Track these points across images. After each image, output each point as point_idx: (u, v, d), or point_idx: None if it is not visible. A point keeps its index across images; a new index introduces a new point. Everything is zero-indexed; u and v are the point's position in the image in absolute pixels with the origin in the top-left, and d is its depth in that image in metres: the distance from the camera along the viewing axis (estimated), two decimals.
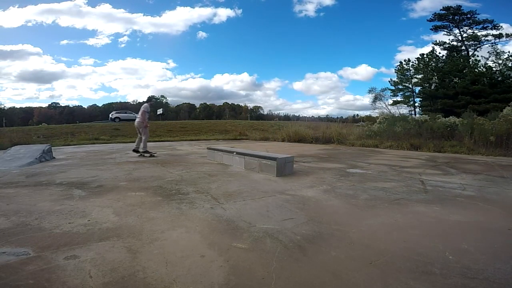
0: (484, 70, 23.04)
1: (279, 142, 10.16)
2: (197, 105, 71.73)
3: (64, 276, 1.12)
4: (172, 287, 1.05)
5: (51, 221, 1.76)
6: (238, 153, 4.05)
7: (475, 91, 21.12)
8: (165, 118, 34.23)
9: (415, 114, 22.81)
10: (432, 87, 24.95)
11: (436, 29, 27.13)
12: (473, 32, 25.28)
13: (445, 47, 26.37)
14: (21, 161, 4.56)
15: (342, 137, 8.72)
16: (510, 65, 22.26)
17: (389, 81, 28.60)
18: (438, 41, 26.81)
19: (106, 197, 2.36)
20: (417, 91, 26.89)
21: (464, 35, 25.78)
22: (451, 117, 8.06)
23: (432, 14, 26.89)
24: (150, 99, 6.19)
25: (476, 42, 25.20)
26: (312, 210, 1.99)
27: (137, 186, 2.78)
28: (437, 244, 1.40)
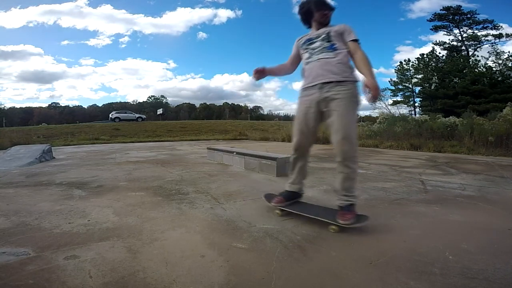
0: (484, 70, 23.05)
1: (279, 142, 10.16)
2: (197, 105, 71.92)
3: (64, 276, 1.11)
4: (172, 287, 1.05)
5: (51, 221, 1.76)
6: (238, 153, 4.05)
7: (475, 91, 21.13)
8: (165, 118, 34.30)
9: (415, 114, 22.85)
10: (432, 87, 24.97)
11: (436, 29, 27.15)
12: (473, 32, 25.30)
13: (445, 47, 26.39)
14: (21, 161, 4.56)
15: None
16: (510, 65, 22.28)
17: (389, 81, 28.59)
18: (438, 41, 26.85)
19: (106, 197, 2.36)
20: (417, 91, 26.89)
21: (464, 35, 25.81)
22: (451, 117, 8.07)
23: (432, 14, 26.95)
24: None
25: (476, 42, 25.24)
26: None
27: (137, 186, 2.78)
28: (437, 244, 1.40)
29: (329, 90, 1.57)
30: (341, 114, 1.54)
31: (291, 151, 1.83)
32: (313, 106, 1.64)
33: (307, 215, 1.71)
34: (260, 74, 1.86)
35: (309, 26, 1.81)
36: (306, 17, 1.79)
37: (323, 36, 1.66)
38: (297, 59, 1.86)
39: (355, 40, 1.61)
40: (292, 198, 1.84)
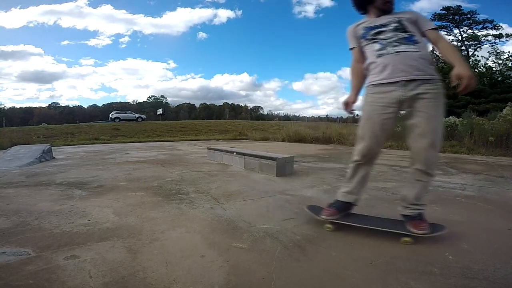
0: (484, 70, 23.02)
1: (279, 142, 10.16)
2: (197, 105, 72.08)
3: (64, 276, 1.12)
4: (172, 287, 1.05)
5: (51, 221, 1.76)
6: (238, 153, 4.05)
7: (475, 91, 21.06)
8: (165, 118, 34.30)
9: None
10: None
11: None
12: (473, 32, 25.28)
13: None
14: (21, 161, 4.56)
15: (342, 137, 8.72)
16: (510, 65, 22.26)
17: None
18: None
19: (106, 197, 2.36)
20: None
21: (464, 35, 25.79)
22: (451, 117, 8.05)
23: (432, 14, 26.89)
24: None
25: (476, 42, 25.21)
26: None
27: (137, 186, 2.78)
28: (437, 244, 1.40)
29: (414, 88, 1.37)
30: (430, 116, 1.36)
31: (354, 156, 1.59)
32: (393, 106, 1.43)
33: (373, 227, 1.51)
34: (351, 104, 1.64)
35: (364, 12, 1.60)
36: (363, 1, 1.57)
37: (395, 25, 1.44)
38: (362, 52, 1.59)
39: (435, 28, 1.44)
40: (346, 209, 1.62)
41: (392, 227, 1.49)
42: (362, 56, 1.59)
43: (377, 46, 1.47)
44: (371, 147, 1.52)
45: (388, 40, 1.43)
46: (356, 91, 1.63)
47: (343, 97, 1.67)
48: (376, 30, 1.48)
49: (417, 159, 1.42)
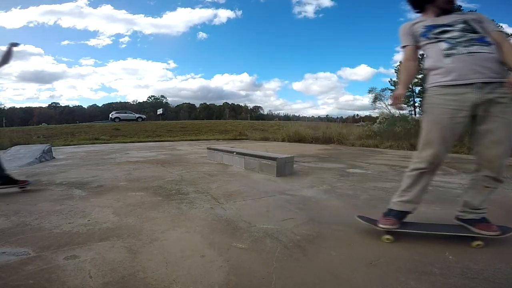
0: None
1: (279, 142, 10.17)
2: (197, 105, 72.08)
3: (64, 276, 1.12)
4: (172, 287, 1.05)
5: (51, 221, 1.77)
6: (238, 153, 4.05)
7: None
8: (165, 118, 34.29)
9: (415, 114, 22.84)
10: None
11: None
12: None
13: None
14: (21, 161, 4.57)
15: (342, 137, 8.72)
16: None
17: (389, 81, 28.58)
18: None
19: (106, 197, 2.36)
20: (417, 91, 26.88)
21: None
22: None
23: None
24: None
25: None
26: (312, 210, 1.99)
27: (137, 186, 2.78)
28: (437, 244, 1.40)
29: (491, 91, 1.28)
30: (508, 122, 1.30)
31: (418, 164, 1.44)
32: (466, 109, 1.33)
33: (440, 232, 1.46)
34: (400, 98, 1.52)
35: (419, 11, 1.56)
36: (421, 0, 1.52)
37: (462, 25, 1.37)
38: (416, 51, 1.55)
39: (500, 31, 1.39)
40: (403, 218, 1.51)
41: (457, 231, 1.45)
42: (415, 54, 1.54)
43: (444, 45, 1.37)
44: (439, 154, 1.40)
45: (458, 40, 1.35)
46: (406, 85, 1.57)
47: (394, 91, 1.58)
48: (440, 29, 1.40)
49: (489, 166, 1.36)
